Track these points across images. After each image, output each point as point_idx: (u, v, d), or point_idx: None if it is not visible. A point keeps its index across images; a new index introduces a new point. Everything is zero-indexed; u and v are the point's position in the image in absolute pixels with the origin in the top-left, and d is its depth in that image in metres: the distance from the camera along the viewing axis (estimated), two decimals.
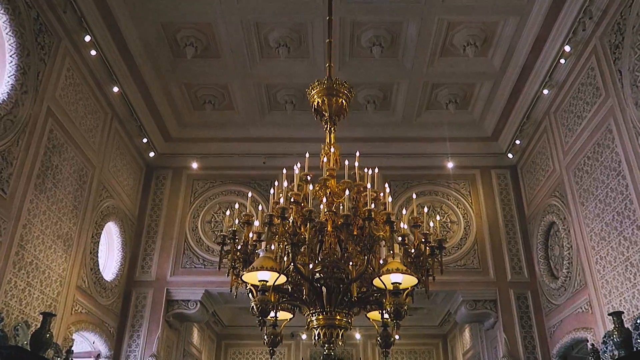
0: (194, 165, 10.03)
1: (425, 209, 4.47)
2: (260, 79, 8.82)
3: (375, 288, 3.97)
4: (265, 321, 3.58)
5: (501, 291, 9.15)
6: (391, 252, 3.81)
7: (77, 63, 7.43)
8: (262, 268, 3.64)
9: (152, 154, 9.89)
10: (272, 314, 4.49)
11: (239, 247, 4.08)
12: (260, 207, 4.36)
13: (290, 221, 3.75)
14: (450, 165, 9.88)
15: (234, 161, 10.05)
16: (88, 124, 7.87)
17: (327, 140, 4.73)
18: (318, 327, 3.91)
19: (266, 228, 3.73)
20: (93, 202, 8.06)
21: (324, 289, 3.93)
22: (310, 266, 3.87)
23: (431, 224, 4.27)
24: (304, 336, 13.55)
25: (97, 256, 8.22)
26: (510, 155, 9.84)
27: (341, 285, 3.91)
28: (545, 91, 8.13)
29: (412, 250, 4.10)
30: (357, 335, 13.64)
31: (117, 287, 8.90)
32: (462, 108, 9.48)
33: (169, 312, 9.27)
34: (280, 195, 3.99)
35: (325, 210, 4.08)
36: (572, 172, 7.76)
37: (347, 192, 3.81)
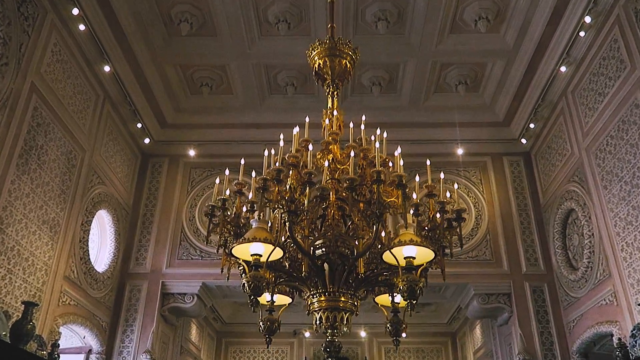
0: (191, 152, 9.57)
1: (442, 175, 3.98)
2: (260, 59, 8.35)
3: (384, 265, 3.49)
4: (257, 301, 3.09)
5: (516, 284, 8.63)
6: (403, 222, 3.32)
7: (64, 38, 6.98)
8: (254, 239, 3.16)
9: (147, 141, 9.44)
10: (267, 297, 4.02)
11: (230, 220, 3.60)
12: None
13: (288, 187, 3.27)
14: (460, 151, 9.38)
15: (232, 148, 9.57)
16: (77, 104, 7.42)
17: (330, 104, 4.25)
18: (319, 309, 3.44)
19: (259, 194, 3.25)
20: (83, 188, 7.60)
21: (326, 265, 3.45)
22: (311, 239, 3.39)
23: (448, 194, 3.78)
24: (307, 334, 13.05)
25: (88, 245, 7.76)
26: (523, 141, 9.32)
27: (346, 262, 3.44)
28: (563, 68, 7.62)
29: (427, 224, 3.60)
30: (363, 333, 13.12)
31: (110, 279, 8.44)
32: (472, 90, 8.98)
33: (165, 306, 8.80)
34: (276, 160, 3.51)
35: (328, 178, 3.61)
36: (592, 154, 7.25)
37: (351, 153, 3.33)
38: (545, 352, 8.16)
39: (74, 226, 7.31)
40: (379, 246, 3.46)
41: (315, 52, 4.42)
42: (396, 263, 3.18)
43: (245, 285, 3.08)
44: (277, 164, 3.31)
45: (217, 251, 3.59)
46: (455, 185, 4.19)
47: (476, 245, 8.94)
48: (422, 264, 3.28)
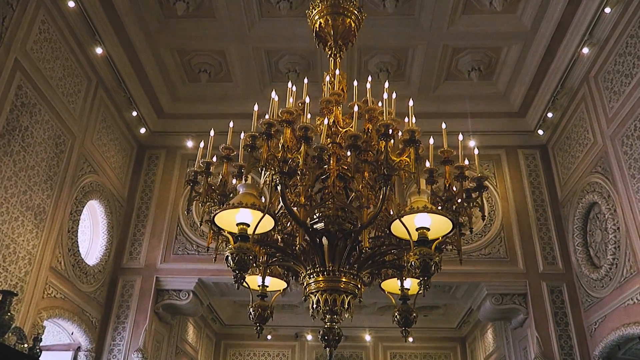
0: (189, 143, 9.11)
1: (460, 137, 3.50)
2: (260, 43, 7.91)
3: (392, 241, 3.00)
4: (242, 277, 2.61)
5: (532, 284, 8.07)
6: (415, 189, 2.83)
7: (53, 16, 6.57)
8: (240, 205, 2.69)
9: (143, 130, 9.00)
10: (259, 280, 3.54)
11: (216, 188, 3.13)
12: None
13: (281, 145, 2.80)
14: (472, 143, 8.84)
15: (233, 140, 9.07)
16: (68, 87, 7.00)
17: (331, 67, 3.78)
18: (317, 291, 2.95)
19: (248, 152, 2.78)
20: (72, 175, 7.17)
21: (324, 239, 2.96)
22: (307, 209, 2.90)
23: (466, 162, 3.29)
24: (309, 337, 12.52)
25: (77, 236, 7.32)
26: (540, 132, 8.80)
27: (347, 237, 2.95)
28: (585, 50, 7.11)
29: (442, 194, 3.11)
30: (367, 337, 12.57)
31: (101, 274, 7.98)
32: (486, 78, 8.48)
33: (159, 302, 8.32)
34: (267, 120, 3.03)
35: (329, 142, 3.14)
36: (618, 142, 6.72)
37: (355, 108, 2.86)
38: (564, 356, 7.58)
39: (62, 215, 6.87)
40: (387, 218, 2.97)
41: (316, 10, 3.97)
42: (407, 236, 2.69)
43: (229, 258, 2.60)
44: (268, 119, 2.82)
45: (200, 225, 3.12)
46: (476, 151, 3.69)
47: (489, 242, 8.40)
48: (438, 239, 2.80)
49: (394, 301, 3.56)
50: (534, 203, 8.65)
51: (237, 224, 2.72)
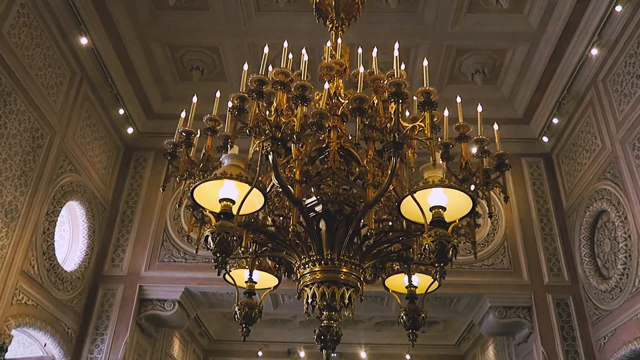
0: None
1: (480, 108, 3.12)
2: (257, 39, 7.55)
3: (401, 224, 2.59)
4: (224, 262, 2.18)
5: (537, 296, 7.65)
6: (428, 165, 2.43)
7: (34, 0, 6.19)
8: (224, 176, 2.27)
9: (130, 130, 8.58)
10: (246, 275, 3.11)
11: (199, 162, 2.71)
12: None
13: (273, 109, 2.39)
14: (473, 150, 8.50)
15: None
16: (48, 78, 6.59)
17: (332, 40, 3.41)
18: (312, 283, 2.51)
19: (234, 120, 2.37)
20: (51, 173, 6.71)
21: (322, 222, 2.55)
22: (303, 185, 2.49)
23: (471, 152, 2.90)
24: (302, 353, 11.96)
25: (53, 239, 6.84)
26: (545, 139, 8.46)
27: (349, 219, 2.54)
28: (594, 51, 6.81)
29: (458, 173, 2.72)
30: (363, 354, 12.02)
31: (80, 280, 7.47)
32: (490, 81, 8.16)
33: (142, 313, 7.80)
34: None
35: (329, 114, 2.73)
36: (629, 146, 6.38)
37: (360, 69, 2.47)
38: None
39: (36, 215, 6.40)
40: (394, 198, 2.56)
41: None
42: (419, 218, 2.29)
43: (209, 238, 2.18)
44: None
45: (178, 206, 2.70)
46: (495, 126, 3.30)
47: (493, 253, 7.99)
48: (454, 221, 2.39)
49: (399, 301, 3.13)
50: (539, 212, 8.28)
51: (220, 200, 2.30)
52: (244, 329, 2.96)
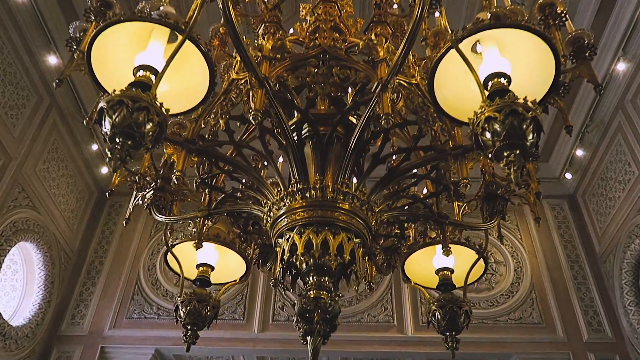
0: None
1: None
2: None
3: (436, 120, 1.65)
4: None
5: (576, 356, 6.38)
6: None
7: None
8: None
9: (104, 170, 7.69)
10: (199, 255, 2.10)
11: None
12: None
13: None
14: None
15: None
16: (8, 98, 5.82)
17: None
18: (292, 228, 1.51)
19: None
20: (0, 204, 5.75)
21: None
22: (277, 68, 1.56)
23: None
24: None
25: None
26: (568, 176, 7.56)
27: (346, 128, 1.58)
28: (620, 66, 6.11)
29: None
30: None
31: (29, 339, 6.24)
32: None
33: None
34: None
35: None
36: None
37: None
38: None
39: None
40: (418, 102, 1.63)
41: None
42: (463, 114, 1.36)
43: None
44: None
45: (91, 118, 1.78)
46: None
47: (519, 305, 6.80)
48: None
49: (427, 295, 2.07)
50: (568, 259, 7.20)
51: (136, 68, 1.37)
52: (189, 334, 1.90)
